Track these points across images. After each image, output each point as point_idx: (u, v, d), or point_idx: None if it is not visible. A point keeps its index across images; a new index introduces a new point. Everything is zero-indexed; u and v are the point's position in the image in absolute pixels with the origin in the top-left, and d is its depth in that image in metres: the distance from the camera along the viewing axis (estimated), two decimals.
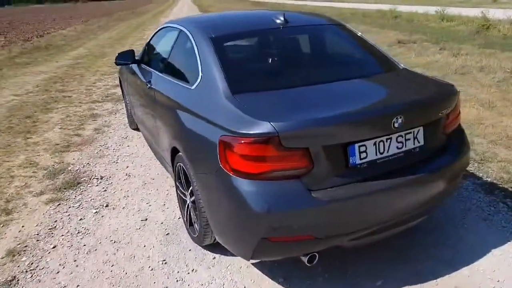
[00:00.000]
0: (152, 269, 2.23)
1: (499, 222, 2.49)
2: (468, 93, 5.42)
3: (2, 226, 2.73)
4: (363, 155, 1.79)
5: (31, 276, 2.21)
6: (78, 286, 2.12)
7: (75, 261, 2.33)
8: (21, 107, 5.87)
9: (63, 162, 3.82)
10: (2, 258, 2.38)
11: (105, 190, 3.19)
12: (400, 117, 1.76)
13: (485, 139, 3.85)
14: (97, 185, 3.29)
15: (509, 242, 2.28)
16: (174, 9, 34.44)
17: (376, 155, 1.82)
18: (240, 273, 2.15)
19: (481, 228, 2.44)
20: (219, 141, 1.77)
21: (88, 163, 3.76)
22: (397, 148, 1.87)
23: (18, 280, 2.18)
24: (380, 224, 1.86)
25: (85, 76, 8.18)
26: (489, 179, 3.04)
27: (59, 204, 3.00)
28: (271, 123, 1.63)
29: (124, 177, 3.42)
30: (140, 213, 2.82)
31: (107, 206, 2.94)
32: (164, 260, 2.29)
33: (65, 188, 3.26)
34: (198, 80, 2.17)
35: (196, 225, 2.28)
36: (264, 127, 1.63)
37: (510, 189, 2.87)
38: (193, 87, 2.21)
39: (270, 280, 2.08)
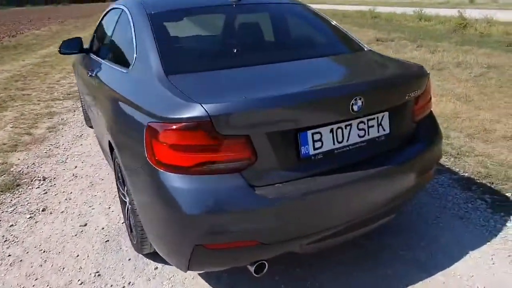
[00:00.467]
0: (81, 283, 1.90)
1: (477, 220, 2.26)
2: (445, 88, 5.28)
3: None
4: (318, 144, 1.51)
5: None
6: None
7: None
8: None
9: (6, 163, 3.43)
10: None
11: (46, 193, 2.84)
12: (360, 99, 1.50)
13: (462, 133, 3.66)
14: (38, 187, 2.93)
15: (488, 243, 2.05)
16: None
17: (334, 144, 1.55)
18: (184, 286, 1.85)
19: (458, 227, 2.21)
20: (146, 129, 1.47)
21: (33, 164, 3.38)
22: (359, 136, 1.61)
23: None
24: (341, 225, 1.59)
25: (50, 74, 7.73)
26: (466, 174, 2.83)
27: None
28: (203, 105, 1.34)
29: (70, 177, 3.07)
30: (80, 217, 2.48)
31: (43, 210, 2.59)
32: (98, 272, 1.97)
33: (1, 191, 2.89)
34: (133, 62, 1.86)
35: (134, 230, 1.97)
36: (193, 110, 1.34)
37: (488, 184, 2.66)
38: (127, 71, 1.91)
39: None
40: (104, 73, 2.28)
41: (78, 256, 2.11)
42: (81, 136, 4.06)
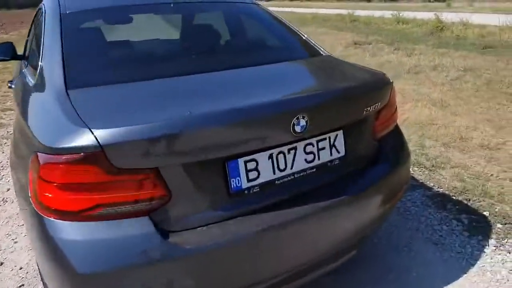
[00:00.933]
0: None
1: (453, 246, 2.01)
2: (420, 92, 5.10)
3: None
4: (253, 174, 1.22)
5: None
6: None
7: None
8: None
9: None
10: None
11: None
12: (303, 117, 1.21)
13: (438, 142, 3.44)
14: None
15: (464, 275, 1.79)
16: None
17: (274, 173, 1.26)
18: None
19: (432, 255, 1.95)
20: (30, 162, 1.14)
21: None
22: (307, 161, 1.32)
23: None
24: (287, 272, 1.30)
25: (6, 81, 7.22)
26: (441, 189, 2.58)
27: None
28: (93, 130, 1.03)
29: None
30: None
31: None
32: None
33: None
34: (37, 72, 1.53)
35: None
36: (80, 138, 1.02)
37: (464, 201, 2.42)
38: (33, 83, 1.57)
39: None
40: (17, 85, 1.93)
41: None
42: None
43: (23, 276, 1.93)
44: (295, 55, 1.84)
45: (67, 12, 1.66)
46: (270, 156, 1.24)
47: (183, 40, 1.95)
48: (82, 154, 1.01)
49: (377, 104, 1.46)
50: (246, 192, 1.21)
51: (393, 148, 1.62)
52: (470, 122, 3.88)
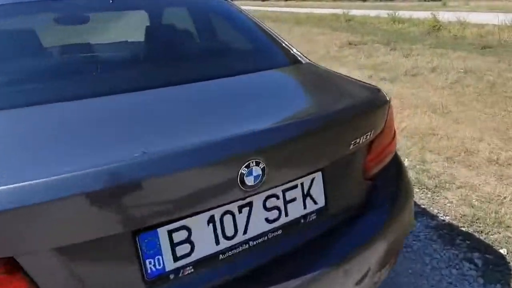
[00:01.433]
0: None
1: None
2: (419, 96, 4.72)
3: None
4: (184, 249, 0.82)
5: None
6: None
7: None
8: None
9: None
10: None
11: None
12: (258, 163, 0.81)
13: (440, 155, 3.06)
14: None
15: None
16: None
17: (218, 243, 0.86)
18: None
19: None
20: None
21: None
22: (268, 221, 0.93)
23: None
24: None
25: None
26: (447, 217, 2.20)
27: None
28: None
29: None
30: None
31: None
32: None
33: None
34: None
35: None
36: None
37: (476, 234, 2.04)
38: None
39: None
40: None
41: None
42: None
43: None
44: (264, 64, 1.42)
45: None
46: (211, 220, 0.84)
47: (115, 47, 1.54)
48: None
49: (369, 134, 1.06)
50: (172, 276, 0.81)
51: (391, 187, 1.22)
52: (475, 132, 3.50)
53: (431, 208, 2.30)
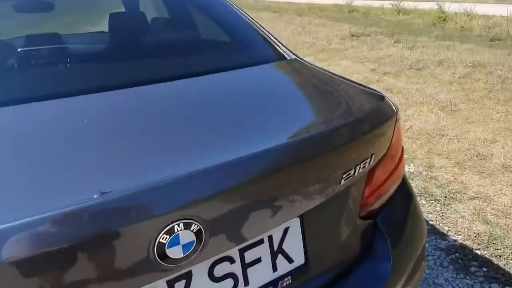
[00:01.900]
0: None
1: None
2: (425, 93, 4.41)
3: None
4: None
5: None
6: None
7: None
8: None
9: None
10: None
11: None
12: (189, 225, 0.52)
13: (449, 160, 2.76)
14: None
15: None
16: None
17: None
18: None
19: None
20: None
21: None
22: None
23: None
24: None
25: None
26: (460, 237, 1.91)
27: None
28: None
29: None
30: None
31: None
32: None
33: None
34: None
35: None
36: None
37: (493, 259, 1.75)
38: None
39: None
40: None
41: None
42: None
43: None
44: (238, 61, 1.10)
45: None
46: None
47: (72, 41, 1.24)
48: None
49: (367, 160, 0.75)
50: None
51: (397, 225, 0.91)
52: (487, 133, 3.19)
53: (441, 225, 2.01)
